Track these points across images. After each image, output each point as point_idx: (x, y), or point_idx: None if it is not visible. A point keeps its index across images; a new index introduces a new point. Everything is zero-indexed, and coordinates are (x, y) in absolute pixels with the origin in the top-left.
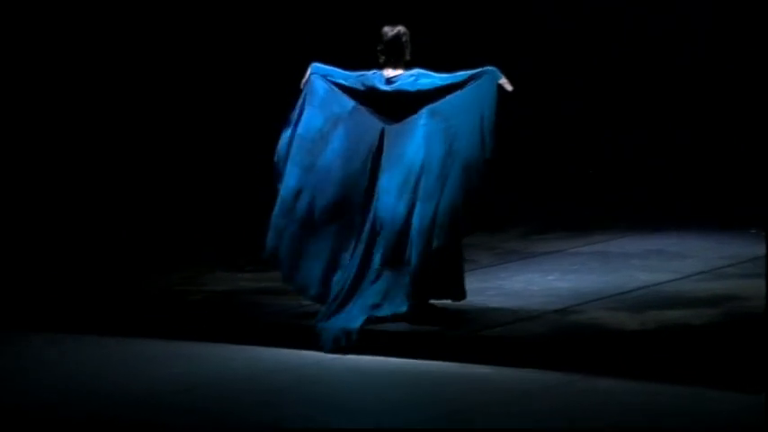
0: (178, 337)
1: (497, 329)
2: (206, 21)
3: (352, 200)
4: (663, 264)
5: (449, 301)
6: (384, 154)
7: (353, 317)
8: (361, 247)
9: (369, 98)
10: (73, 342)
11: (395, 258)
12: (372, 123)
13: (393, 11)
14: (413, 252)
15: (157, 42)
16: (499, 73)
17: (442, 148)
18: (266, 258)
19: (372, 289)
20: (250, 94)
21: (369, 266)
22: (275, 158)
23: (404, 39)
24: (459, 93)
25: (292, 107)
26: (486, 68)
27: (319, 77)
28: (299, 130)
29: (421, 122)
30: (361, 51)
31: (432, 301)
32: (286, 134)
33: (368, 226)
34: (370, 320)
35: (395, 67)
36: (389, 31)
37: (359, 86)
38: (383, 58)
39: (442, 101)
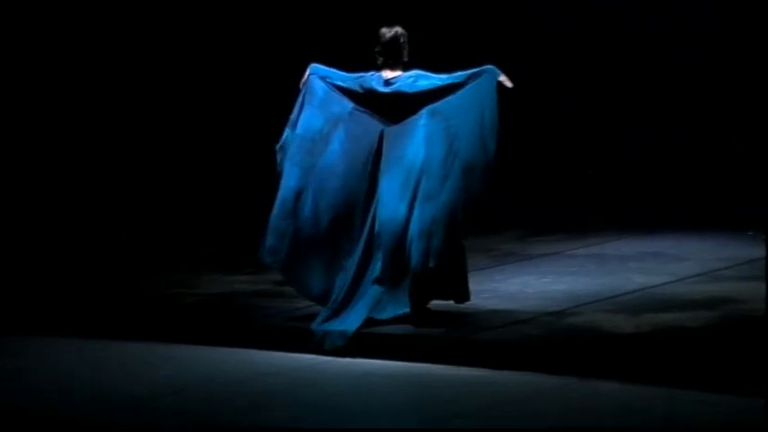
0: (171, 339)
1: (492, 332)
2: (206, 21)
3: (352, 201)
4: (659, 266)
5: (451, 303)
6: (384, 155)
7: (352, 319)
8: (360, 248)
9: (367, 100)
10: (67, 345)
11: (396, 260)
12: (372, 125)
13: (393, 11)
14: (414, 253)
15: (157, 42)
16: (498, 71)
17: (443, 148)
18: (266, 260)
19: (373, 291)
20: (250, 95)
21: (368, 268)
22: (277, 160)
23: (402, 40)
24: (458, 92)
25: (292, 107)
26: (485, 67)
27: (318, 78)
28: (299, 130)
29: (421, 123)
30: (362, 51)
31: (434, 303)
32: (286, 134)
33: (367, 228)
34: (370, 323)
35: (393, 68)
36: (387, 32)
37: (357, 88)
38: (381, 59)
39: (442, 101)
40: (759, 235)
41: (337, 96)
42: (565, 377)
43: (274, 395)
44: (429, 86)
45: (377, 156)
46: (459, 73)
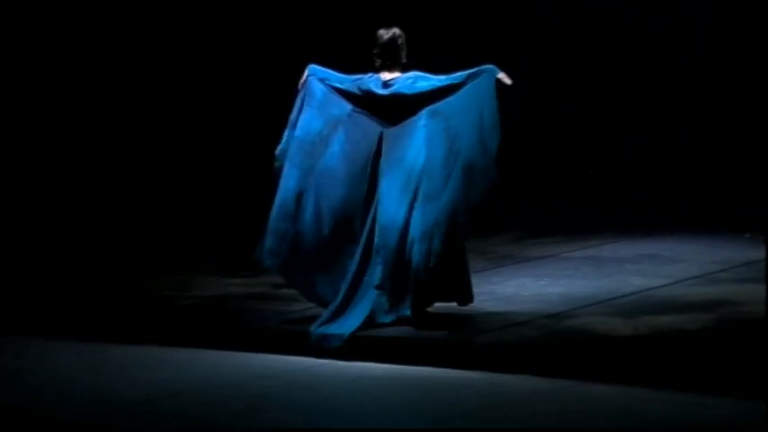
0: (168, 342)
1: (490, 335)
2: (206, 21)
3: (353, 203)
4: (656, 268)
5: (449, 305)
6: (383, 157)
7: (351, 322)
8: (360, 251)
9: (366, 102)
10: (66, 347)
11: (397, 262)
12: (370, 127)
13: (393, 11)
14: (416, 255)
15: (157, 43)
16: (497, 69)
17: (444, 148)
18: (265, 262)
19: (373, 294)
20: (250, 95)
21: (366, 271)
22: (276, 162)
23: (399, 41)
24: (458, 93)
25: (291, 108)
26: (483, 67)
27: (317, 79)
28: (298, 132)
29: (421, 124)
30: (362, 51)
31: (437, 305)
32: (286, 136)
33: (367, 230)
34: (371, 325)
35: (391, 69)
36: (385, 33)
37: (355, 90)
38: (379, 61)
39: (442, 102)
40: (756, 237)
41: (336, 98)
42: (563, 380)
43: (271, 398)
44: (428, 88)
45: (376, 157)
46: (458, 74)
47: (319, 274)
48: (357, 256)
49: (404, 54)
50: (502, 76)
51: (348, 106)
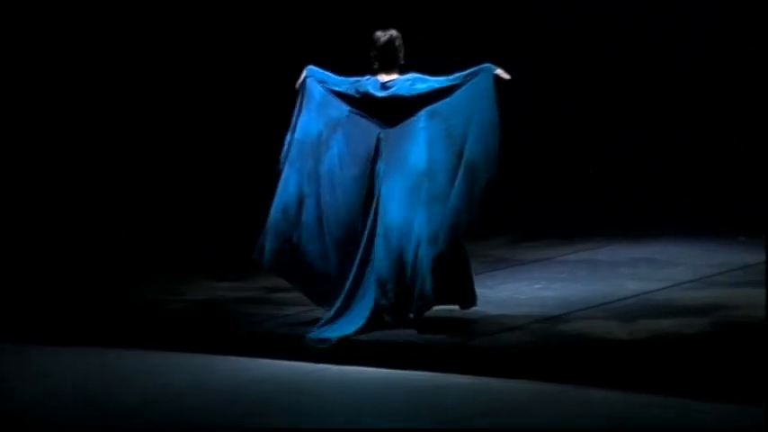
0: (164, 347)
1: (486, 339)
2: (206, 21)
3: (353, 206)
4: (652, 272)
5: (446, 308)
6: (383, 159)
7: (350, 325)
8: (360, 254)
9: (364, 104)
10: (61, 352)
11: (402, 264)
12: (369, 129)
13: (393, 11)
14: (424, 257)
15: (157, 43)
16: (494, 66)
17: (445, 149)
18: (265, 264)
19: (376, 296)
20: (249, 95)
21: (366, 274)
22: (280, 167)
23: (397, 43)
24: (456, 93)
25: (291, 108)
26: (481, 66)
27: (315, 81)
28: (298, 134)
29: (420, 125)
30: (362, 51)
31: (434, 308)
32: (288, 139)
33: (367, 232)
34: (372, 328)
35: (389, 71)
36: (382, 35)
37: (353, 93)
38: (377, 63)
39: (440, 102)
40: (751, 240)
41: (334, 100)
42: (558, 384)
43: (269, 403)
44: (426, 89)
45: (374, 159)
46: (456, 74)
47: (320, 276)
48: (357, 259)
49: (401, 56)
50: (499, 71)
51: (346, 108)
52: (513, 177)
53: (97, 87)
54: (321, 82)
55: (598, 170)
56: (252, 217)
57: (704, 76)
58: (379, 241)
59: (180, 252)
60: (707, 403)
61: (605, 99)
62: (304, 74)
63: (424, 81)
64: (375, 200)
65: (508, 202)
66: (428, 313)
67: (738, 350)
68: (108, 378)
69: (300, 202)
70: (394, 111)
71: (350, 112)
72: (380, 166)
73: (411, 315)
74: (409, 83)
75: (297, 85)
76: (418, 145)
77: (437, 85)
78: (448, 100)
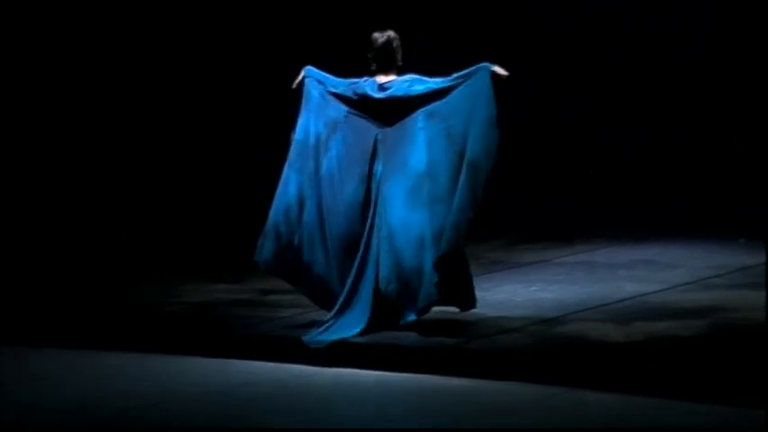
0: (155, 349)
1: (482, 341)
2: (206, 21)
3: (352, 207)
4: (650, 274)
5: (445, 310)
6: (383, 160)
7: (350, 327)
8: (360, 255)
9: (362, 106)
10: (49, 354)
11: (405, 265)
12: (367, 129)
13: (393, 11)
14: (428, 258)
15: (157, 43)
16: (490, 64)
17: (446, 149)
18: (264, 266)
19: (376, 297)
20: (249, 95)
21: (365, 276)
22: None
23: (394, 44)
24: (453, 93)
25: (291, 108)
26: (478, 65)
27: (314, 81)
28: (297, 135)
29: (419, 126)
30: (362, 51)
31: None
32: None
33: (366, 234)
34: (372, 330)
35: (387, 73)
36: (379, 37)
37: (350, 94)
38: (375, 65)
39: (439, 102)
40: (750, 242)
41: (333, 101)
42: (555, 387)
43: (262, 405)
44: (425, 90)
45: (372, 160)
46: (454, 75)
47: (321, 278)
48: (357, 260)
49: (399, 57)
50: (497, 68)
51: (344, 109)
52: (512, 177)
53: (97, 88)
54: (319, 83)
55: (598, 170)
56: (251, 217)
57: (704, 76)
58: (383, 242)
59: (179, 253)
60: (703, 406)
61: (605, 99)
62: (302, 74)
63: (423, 82)
64: (374, 201)
65: (507, 203)
66: (425, 315)
67: (736, 353)
68: (105, 381)
69: (301, 203)
70: (392, 112)
71: (348, 113)
72: (378, 167)
73: (413, 315)
74: (407, 84)
75: (294, 85)
76: (418, 146)
77: (435, 87)
78: (446, 99)
